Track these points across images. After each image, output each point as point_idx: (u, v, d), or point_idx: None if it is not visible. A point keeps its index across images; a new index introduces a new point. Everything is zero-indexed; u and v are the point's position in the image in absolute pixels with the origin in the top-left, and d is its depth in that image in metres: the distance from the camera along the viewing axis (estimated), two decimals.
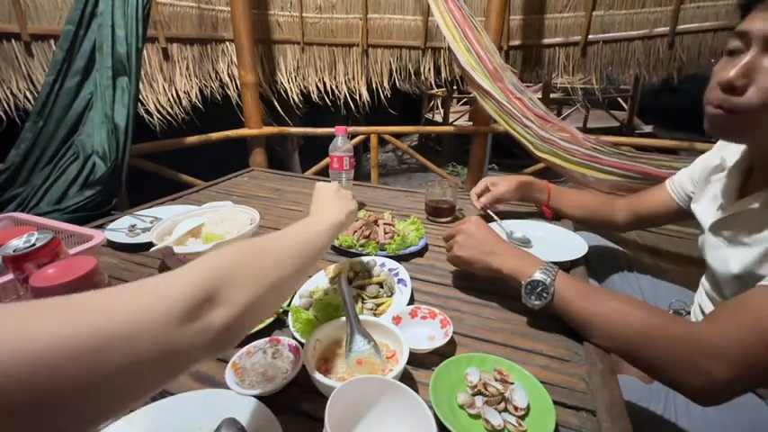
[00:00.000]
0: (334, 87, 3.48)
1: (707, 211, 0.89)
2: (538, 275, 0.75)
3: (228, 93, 3.14)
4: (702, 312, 0.92)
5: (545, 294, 0.74)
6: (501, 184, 1.24)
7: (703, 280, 0.94)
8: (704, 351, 0.60)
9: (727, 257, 0.77)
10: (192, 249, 0.92)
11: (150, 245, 1.08)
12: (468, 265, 0.88)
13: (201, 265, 0.43)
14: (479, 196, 1.26)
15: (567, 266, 0.98)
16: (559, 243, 1.08)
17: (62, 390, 0.29)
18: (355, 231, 1.11)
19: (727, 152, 0.87)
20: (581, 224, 1.28)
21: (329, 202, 0.77)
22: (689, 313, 1.01)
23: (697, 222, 0.93)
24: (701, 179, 0.94)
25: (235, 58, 2.98)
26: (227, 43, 3.05)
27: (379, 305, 0.84)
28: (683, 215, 1.03)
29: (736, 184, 0.81)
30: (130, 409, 0.56)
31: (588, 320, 0.71)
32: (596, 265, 1.21)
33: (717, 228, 0.83)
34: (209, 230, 1.03)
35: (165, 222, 1.05)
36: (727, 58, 0.69)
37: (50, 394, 0.28)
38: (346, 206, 0.77)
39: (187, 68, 2.89)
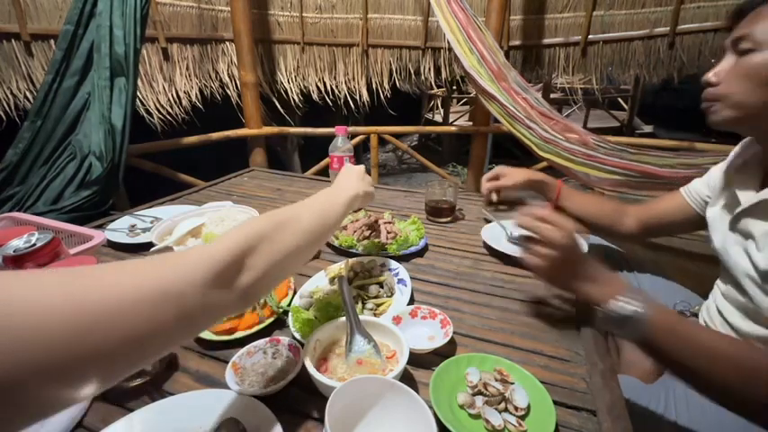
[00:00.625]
0: (334, 87, 3.48)
1: (726, 209, 0.86)
2: (626, 302, 0.68)
3: (228, 93, 3.14)
4: (721, 314, 0.87)
5: (632, 327, 0.67)
6: (510, 175, 1.25)
7: (719, 282, 0.91)
8: None
9: (751, 252, 0.75)
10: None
11: (150, 245, 1.08)
12: (553, 281, 0.80)
13: (233, 236, 0.49)
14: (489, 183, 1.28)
15: None
16: None
17: (129, 337, 0.34)
18: (355, 231, 1.11)
19: (744, 153, 0.87)
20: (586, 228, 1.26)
21: (354, 178, 0.82)
22: (694, 314, 1.00)
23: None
24: (718, 183, 0.93)
25: (235, 58, 2.98)
26: (228, 43, 3.05)
27: (379, 305, 0.83)
28: (700, 223, 1.00)
29: (757, 177, 0.81)
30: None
31: (685, 366, 0.65)
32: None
33: (738, 221, 0.80)
34: (209, 230, 1.03)
35: (165, 223, 1.05)
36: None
37: (127, 341, 0.34)
38: (365, 187, 0.82)
39: (187, 68, 2.89)
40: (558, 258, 0.74)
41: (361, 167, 0.88)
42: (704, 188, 0.99)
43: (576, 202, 1.21)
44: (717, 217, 0.89)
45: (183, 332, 0.42)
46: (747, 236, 0.78)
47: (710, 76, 0.78)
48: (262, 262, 0.50)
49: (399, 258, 1.02)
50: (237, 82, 3.05)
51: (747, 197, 0.79)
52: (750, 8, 0.74)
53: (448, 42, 2.42)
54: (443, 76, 3.51)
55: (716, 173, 0.96)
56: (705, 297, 0.98)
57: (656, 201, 1.12)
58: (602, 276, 0.75)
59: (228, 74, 3.13)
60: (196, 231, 1.04)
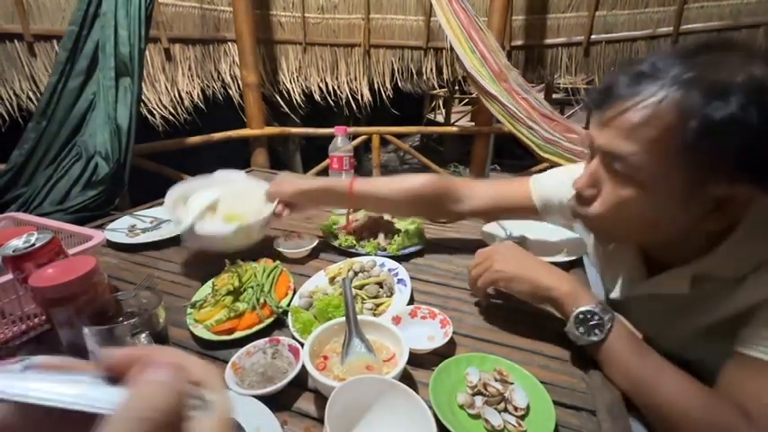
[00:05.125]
0: (336, 88, 3.48)
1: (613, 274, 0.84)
2: (595, 308, 0.66)
3: (231, 93, 3.15)
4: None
5: (597, 331, 0.65)
6: (282, 184, 1.02)
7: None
8: None
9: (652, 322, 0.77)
10: (215, 229, 0.93)
11: (151, 245, 1.09)
12: (510, 281, 0.76)
13: None
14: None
15: (566, 267, 0.98)
16: (559, 243, 1.08)
17: None
18: (355, 231, 1.11)
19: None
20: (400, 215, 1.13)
21: None
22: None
23: None
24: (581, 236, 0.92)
25: (237, 59, 2.99)
26: (230, 43, 3.05)
27: (378, 305, 0.83)
28: (534, 216, 0.97)
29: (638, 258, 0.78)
30: None
31: (637, 383, 0.63)
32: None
33: (628, 302, 0.80)
34: (230, 209, 1.00)
35: (176, 192, 1.02)
36: (588, 159, 0.69)
37: None
38: None
39: (189, 69, 2.90)
40: (505, 253, 0.78)
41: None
42: (554, 197, 0.91)
43: (379, 198, 1.02)
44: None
45: None
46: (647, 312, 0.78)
47: (579, 185, 0.68)
48: None
49: (399, 258, 1.02)
50: (240, 82, 3.05)
51: (633, 280, 0.79)
52: (618, 97, 0.59)
53: (450, 42, 2.42)
54: (445, 76, 3.51)
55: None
56: None
57: (508, 182, 1.03)
58: (578, 282, 0.73)
59: (231, 74, 3.13)
60: (212, 207, 1.00)
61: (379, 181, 1.04)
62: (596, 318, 0.66)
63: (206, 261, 1.04)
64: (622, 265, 0.81)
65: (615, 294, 0.82)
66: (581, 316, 0.67)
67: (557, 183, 0.90)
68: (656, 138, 0.56)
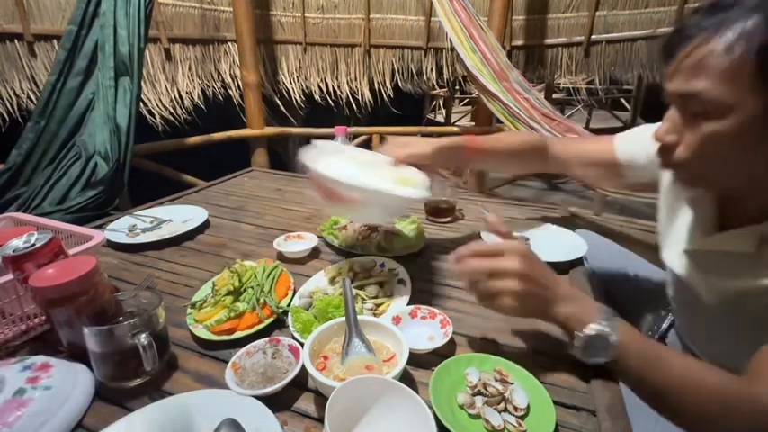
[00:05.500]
0: (336, 88, 3.48)
1: (680, 228, 0.80)
2: (598, 328, 0.62)
3: (231, 93, 3.15)
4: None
5: (602, 353, 0.62)
6: (414, 145, 0.96)
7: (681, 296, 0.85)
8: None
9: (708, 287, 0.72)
10: (414, 194, 0.82)
11: (150, 245, 1.09)
12: (528, 314, 0.68)
13: None
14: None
15: (566, 267, 0.98)
16: (559, 243, 1.07)
17: None
18: (355, 231, 1.11)
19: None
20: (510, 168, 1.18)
21: None
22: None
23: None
24: (668, 180, 0.86)
25: (237, 59, 2.99)
26: (230, 43, 3.06)
27: (378, 305, 0.83)
28: (615, 173, 0.95)
29: (709, 216, 0.74)
30: None
31: (655, 392, 0.61)
32: (594, 264, 1.20)
33: (692, 257, 0.76)
34: (379, 174, 0.88)
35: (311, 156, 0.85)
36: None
37: None
38: None
39: (189, 69, 2.90)
40: (527, 287, 0.64)
41: None
42: (641, 154, 0.90)
43: (495, 152, 1.04)
44: (671, 234, 0.84)
45: None
46: (703, 272, 0.75)
47: (659, 134, 0.66)
48: None
49: (399, 258, 1.02)
50: (240, 82, 3.05)
51: (700, 234, 0.75)
52: (686, 38, 0.59)
53: (450, 42, 2.43)
54: (445, 76, 3.51)
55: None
56: None
57: (586, 139, 1.08)
58: (580, 295, 0.69)
59: (231, 74, 3.13)
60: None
61: (488, 139, 1.06)
62: (601, 341, 0.62)
63: (206, 261, 1.04)
64: (695, 217, 0.78)
65: (680, 246, 0.80)
66: (585, 340, 0.63)
67: (643, 138, 0.88)
68: (727, 68, 0.55)
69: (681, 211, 0.82)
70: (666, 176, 0.86)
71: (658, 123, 0.75)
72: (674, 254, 0.81)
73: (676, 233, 0.81)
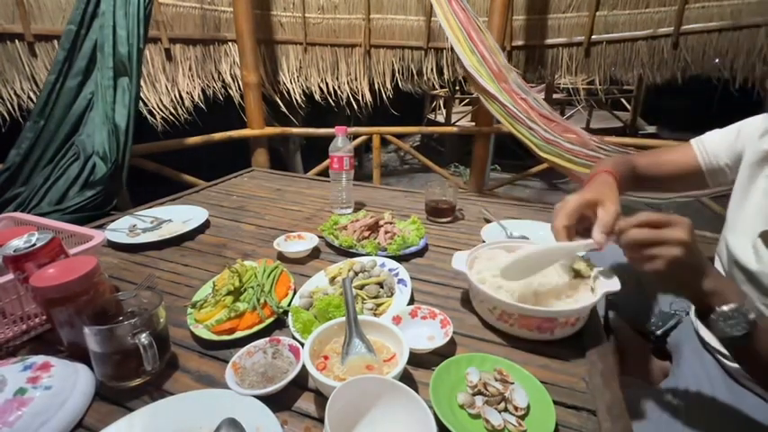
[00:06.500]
0: (336, 88, 3.48)
1: (760, 209, 0.78)
2: (739, 304, 0.64)
3: (231, 93, 3.15)
4: None
5: (740, 327, 0.63)
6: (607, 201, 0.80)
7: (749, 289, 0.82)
8: None
9: None
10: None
11: (149, 245, 1.08)
12: (672, 279, 0.68)
13: None
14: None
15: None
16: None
17: None
18: (355, 231, 1.11)
19: None
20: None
21: None
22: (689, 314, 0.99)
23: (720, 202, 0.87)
24: (749, 159, 0.82)
25: (237, 59, 2.99)
26: (230, 44, 3.06)
27: (379, 305, 0.83)
28: (701, 181, 0.92)
29: None
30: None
31: None
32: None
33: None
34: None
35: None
36: None
37: None
38: None
39: (190, 69, 2.90)
40: (688, 257, 0.64)
41: None
42: (723, 150, 0.89)
43: (637, 179, 1.00)
44: (746, 214, 0.81)
45: None
46: None
47: None
48: None
49: (399, 258, 1.02)
50: (240, 82, 3.06)
51: None
52: None
53: (450, 42, 2.43)
54: (446, 76, 3.51)
55: (745, 135, 0.84)
56: None
57: (665, 151, 1.02)
58: (720, 275, 0.69)
59: (231, 74, 3.14)
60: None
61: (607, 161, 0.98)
62: (742, 314, 0.64)
63: (206, 261, 1.04)
64: None
65: (760, 227, 0.78)
66: (728, 313, 0.64)
67: (728, 138, 0.88)
68: None
69: (752, 194, 0.80)
70: (747, 156, 0.83)
71: (742, 122, 0.79)
72: (742, 238, 0.79)
73: (744, 218, 0.80)
